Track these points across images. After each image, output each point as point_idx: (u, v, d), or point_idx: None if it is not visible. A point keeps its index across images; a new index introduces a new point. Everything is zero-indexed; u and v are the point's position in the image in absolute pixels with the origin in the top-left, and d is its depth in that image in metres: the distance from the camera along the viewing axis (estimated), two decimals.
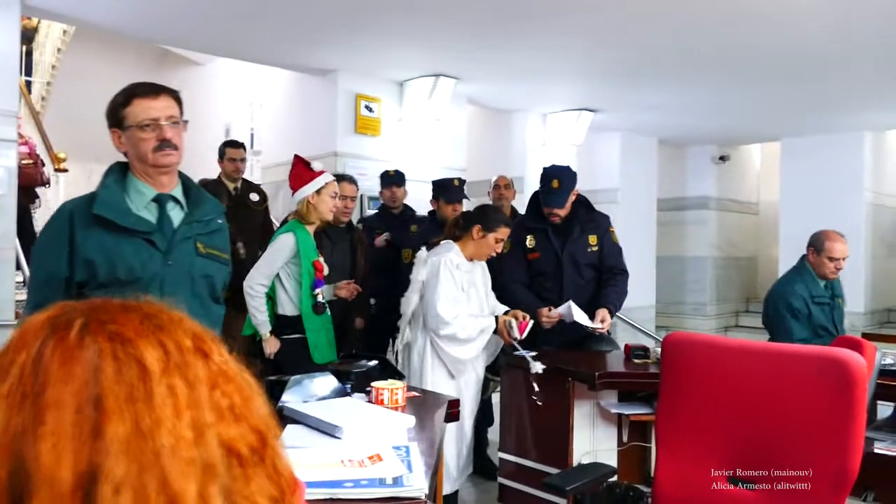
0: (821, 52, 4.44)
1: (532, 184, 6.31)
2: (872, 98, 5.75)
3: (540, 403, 3.00)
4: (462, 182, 4.27)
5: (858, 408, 1.49)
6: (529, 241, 3.52)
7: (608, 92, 5.69)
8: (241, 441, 0.52)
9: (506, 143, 6.49)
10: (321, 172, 3.17)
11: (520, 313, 3.11)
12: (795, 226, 7.33)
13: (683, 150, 8.48)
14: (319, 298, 3.10)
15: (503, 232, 3.12)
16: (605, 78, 5.28)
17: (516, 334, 2.99)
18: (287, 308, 3.13)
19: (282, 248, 3.09)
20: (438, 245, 3.23)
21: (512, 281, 3.50)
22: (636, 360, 3.06)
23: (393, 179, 4.39)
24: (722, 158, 8.39)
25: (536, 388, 2.98)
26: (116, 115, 1.75)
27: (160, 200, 1.79)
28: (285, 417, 2.04)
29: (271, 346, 3.09)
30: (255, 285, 3.07)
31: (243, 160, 4.73)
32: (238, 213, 4.58)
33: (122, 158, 1.84)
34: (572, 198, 3.45)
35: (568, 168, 3.48)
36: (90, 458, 0.47)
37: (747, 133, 7.69)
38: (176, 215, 1.81)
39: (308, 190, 3.13)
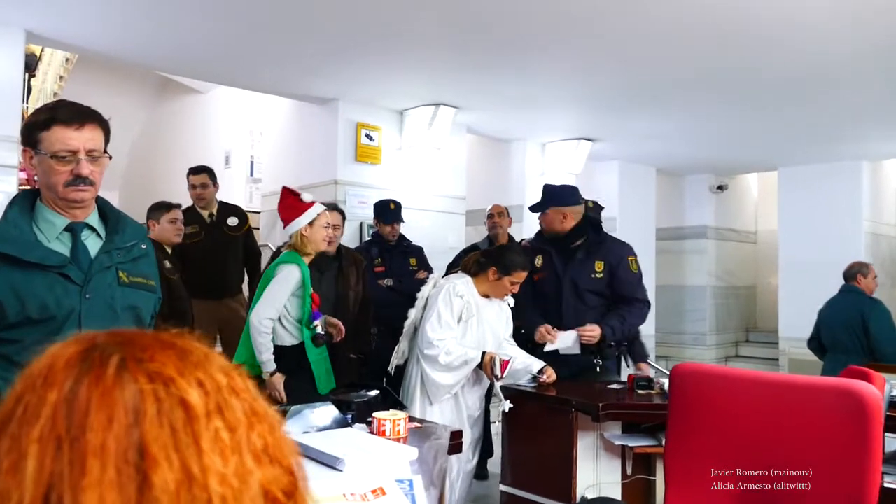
0: (818, 82, 4.48)
1: (531, 212, 6.32)
2: (869, 128, 5.78)
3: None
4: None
5: (874, 441, 1.46)
6: (537, 262, 3.53)
7: (606, 121, 5.72)
8: (276, 485, 0.50)
9: (505, 172, 6.52)
10: (312, 204, 3.12)
11: (549, 371, 3.16)
12: (794, 255, 7.34)
13: (681, 179, 8.51)
14: (319, 330, 3.05)
15: (518, 276, 3.14)
16: (603, 107, 5.31)
17: (498, 372, 2.98)
18: (286, 339, 3.08)
19: (289, 279, 3.02)
20: (455, 273, 3.29)
21: (524, 299, 3.52)
22: (640, 391, 3.02)
23: (396, 215, 4.34)
24: (720, 188, 8.42)
25: (501, 428, 3.03)
26: (32, 136, 1.57)
27: (73, 230, 1.62)
28: None
29: (277, 384, 2.98)
30: (264, 320, 2.95)
31: (205, 186, 4.48)
32: (216, 241, 4.43)
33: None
34: (558, 217, 3.43)
35: (556, 185, 3.53)
36: None
37: (745, 162, 7.73)
38: (92, 244, 1.65)
39: (301, 222, 3.09)
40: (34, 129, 1.57)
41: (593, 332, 3.28)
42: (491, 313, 3.22)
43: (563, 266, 3.44)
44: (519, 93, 4.87)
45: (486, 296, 3.20)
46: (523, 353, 3.30)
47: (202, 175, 4.50)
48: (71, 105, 1.61)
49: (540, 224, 3.55)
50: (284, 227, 3.16)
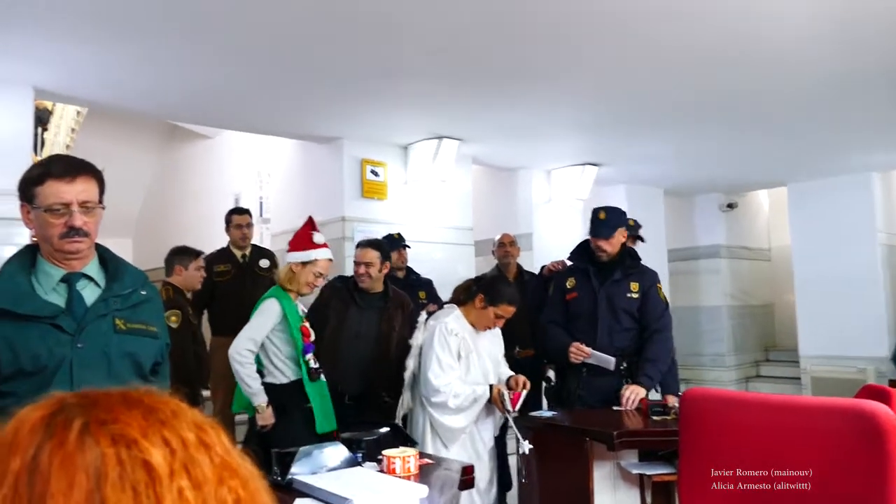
0: (822, 96, 4.46)
1: (540, 240, 6.31)
2: (877, 139, 5.74)
3: (524, 481, 2.96)
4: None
5: (891, 462, 1.42)
6: (570, 283, 3.53)
7: (610, 145, 5.74)
8: None
9: (512, 201, 6.52)
10: (319, 247, 3.08)
11: (521, 379, 3.04)
12: (809, 271, 7.25)
13: (690, 199, 8.48)
14: (312, 364, 3.00)
15: (504, 309, 3.03)
16: (607, 132, 5.33)
17: (509, 406, 2.88)
18: (278, 377, 3.04)
19: (267, 314, 3.00)
20: (442, 309, 3.21)
21: (546, 321, 3.53)
22: (655, 417, 2.98)
23: (400, 242, 4.38)
24: (730, 206, 8.37)
25: (523, 470, 2.93)
26: (28, 192, 1.62)
27: (69, 280, 1.67)
28: (295, 490, 1.98)
29: (266, 418, 2.94)
30: (242, 350, 2.92)
31: (249, 226, 4.75)
32: (246, 281, 4.61)
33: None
34: (621, 238, 3.47)
35: (617, 207, 3.54)
36: None
37: (753, 180, 7.69)
38: (90, 293, 1.69)
39: (297, 257, 3.07)
40: (29, 184, 1.62)
41: (633, 396, 3.22)
42: (485, 341, 3.15)
43: (599, 284, 3.45)
44: (521, 122, 4.90)
45: (473, 326, 3.11)
46: (505, 369, 3.27)
47: (246, 216, 4.77)
48: (64, 158, 1.66)
49: (598, 248, 3.43)
50: (287, 251, 3.15)
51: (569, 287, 3.54)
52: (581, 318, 3.46)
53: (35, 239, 1.72)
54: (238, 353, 2.92)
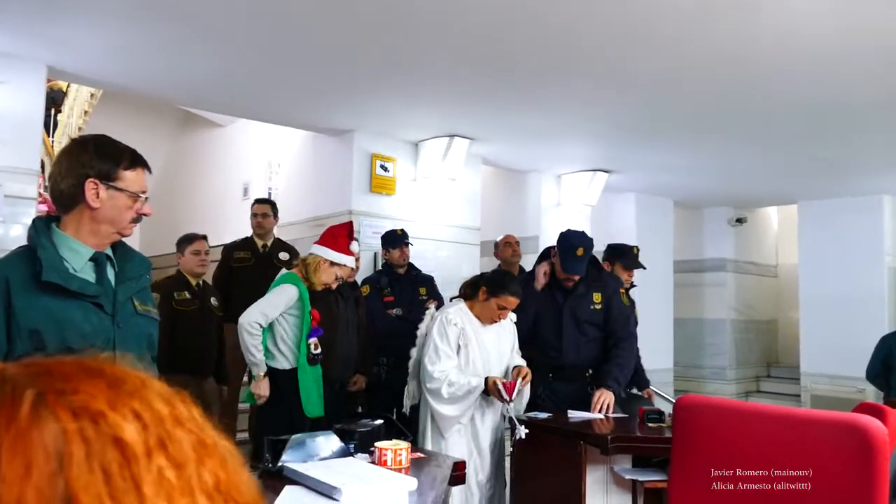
0: (837, 116, 4.44)
1: (546, 243, 6.28)
2: (890, 161, 5.71)
3: (512, 451, 2.96)
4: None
5: (880, 477, 1.41)
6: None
7: (622, 153, 5.72)
8: None
9: (521, 203, 6.52)
10: (350, 254, 3.24)
11: (523, 370, 3.05)
12: (815, 289, 7.22)
13: (699, 211, 8.46)
14: (313, 349, 3.12)
15: (507, 300, 3.07)
16: (619, 139, 5.32)
17: (505, 396, 2.90)
18: (281, 362, 3.13)
19: (284, 294, 3.11)
20: (453, 300, 3.27)
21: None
22: (650, 424, 2.97)
23: (403, 239, 4.38)
24: (739, 220, 8.35)
25: (511, 450, 2.95)
26: (112, 172, 1.59)
27: (98, 260, 1.64)
28: (285, 477, 1.99)
29: (263, 388, 3.06)
30: (253, 322, 3.04)
31: (265, 216, 4.80)
32: (264, 271, 4.47)
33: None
34: None
35: (586, 235, 3.52)
36: None
37: (763, 195, 7.67)
38: (109, 273, 1.68)
39: (328, 254, 3.18)
40: (117, 165, 1.61)
41: (606, 400, 3.23)
42: (490, 335, 3.17)
43: (563, 298, 3.45)
44: (534, 125, 4.90)
45: (479, 318, 3.16)
46: (517, 361, 3.27)
47: (265, 206, 4.85)
48: (140, 154, 1.68)
49: (569, 279, 3.43)
50: (315, 242, 3.27)
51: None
52: (545, 333, 3.47)
53: (47, 212, 1.73)
54: (249, 325, 3.03)
